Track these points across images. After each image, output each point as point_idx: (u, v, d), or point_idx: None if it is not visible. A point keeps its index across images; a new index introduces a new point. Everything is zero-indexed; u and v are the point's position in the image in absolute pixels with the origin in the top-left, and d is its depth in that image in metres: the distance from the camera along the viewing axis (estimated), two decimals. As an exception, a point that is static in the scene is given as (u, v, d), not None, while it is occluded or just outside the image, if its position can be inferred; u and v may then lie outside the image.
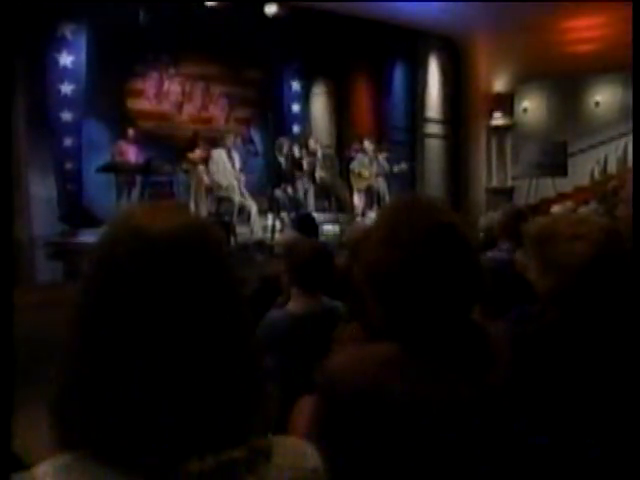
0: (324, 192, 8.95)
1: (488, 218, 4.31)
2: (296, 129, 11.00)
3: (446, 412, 0.92)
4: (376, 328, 1.03)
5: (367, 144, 9.07)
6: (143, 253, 0.62)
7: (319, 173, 8.79)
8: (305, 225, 7.20)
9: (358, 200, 9.21)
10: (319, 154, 8.84)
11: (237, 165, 8.00)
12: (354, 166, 9.05)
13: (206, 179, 8.31)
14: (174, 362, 0.61)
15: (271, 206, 8.34)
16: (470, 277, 0.95)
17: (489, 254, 3.11)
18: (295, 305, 2.33)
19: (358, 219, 8.88)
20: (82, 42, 8.23)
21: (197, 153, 8.57)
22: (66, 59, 8.10)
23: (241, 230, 7.78)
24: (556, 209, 4.64)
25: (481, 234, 4.03)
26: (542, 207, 8.65)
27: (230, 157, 7.93)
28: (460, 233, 0.96)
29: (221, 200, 7.92)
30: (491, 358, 0.98)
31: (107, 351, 0.61)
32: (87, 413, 0.61)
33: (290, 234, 4.56)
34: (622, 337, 1.23)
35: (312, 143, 8.86)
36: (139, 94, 9.68)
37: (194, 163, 8.50)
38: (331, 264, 2.37)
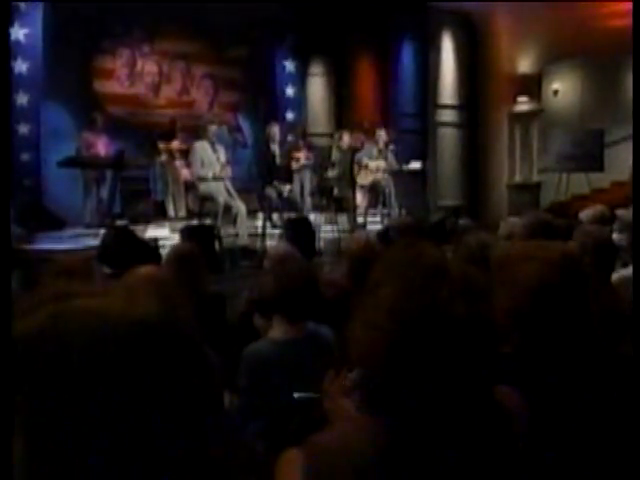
0: (323, 188, 8.93)
1: (509, 224, 4.30)
2: (290, 116, 11.00)
3: None
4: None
5: (382, 134, 9.08)
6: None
7: (330, 168, 8.82)
8: (299, 231, 7.20)
9: (361, 198, 9.20)
10: (341, 151, 8.89)
11: (222, 158, 7.94)
12: (361, 157, 9.04)
13: (185, 173, 8.28)
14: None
15: (261, 205, 8.28)
16: (470, 365, 1.00)
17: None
18: (276, 332, 2.44)
19: (360, 219, 8.87)
20: (38, 13, 8.24)
21: (175, 144, 8.57)
22: (19, 32, 8.10)
23: (226, 231, 7.73)
24: (583, 215, 4.60)
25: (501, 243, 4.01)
26: (573, 206, 8.61)
27: (214, 149, 7.88)
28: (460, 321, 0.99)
29: (204, 199, 7.88)
30: (499, 436, 1.04)
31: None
32: None
33: (281, 247, 4.61)
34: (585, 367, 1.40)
35: (346, 135, 8.94)
36: (108, 74, 9.67)
37: (171, 155, 8.48)
38: (317, 290, 2.50)
